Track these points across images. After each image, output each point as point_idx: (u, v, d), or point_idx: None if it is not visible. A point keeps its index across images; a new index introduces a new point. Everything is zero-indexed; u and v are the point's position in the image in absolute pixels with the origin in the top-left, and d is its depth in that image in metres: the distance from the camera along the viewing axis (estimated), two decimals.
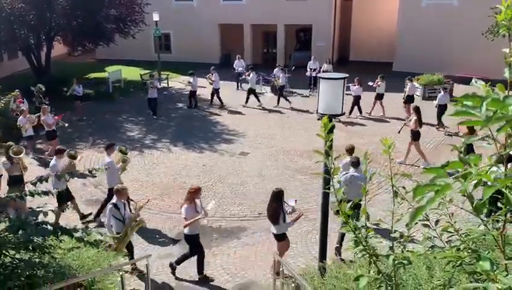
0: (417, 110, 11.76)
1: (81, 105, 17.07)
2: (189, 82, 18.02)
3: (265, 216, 9.54)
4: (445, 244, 2.33)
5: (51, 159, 12.55)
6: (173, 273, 7.57)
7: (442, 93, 14.87)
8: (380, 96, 16.42)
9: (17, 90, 13.56)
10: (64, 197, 9.00)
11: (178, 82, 20.57)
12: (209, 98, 18.73)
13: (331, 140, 2.66)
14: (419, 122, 11.59)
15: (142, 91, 21.19)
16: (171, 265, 7.58)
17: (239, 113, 17.71)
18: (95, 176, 10.92)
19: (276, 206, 7.17)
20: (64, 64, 27.00)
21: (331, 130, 2.63)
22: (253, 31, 26.81)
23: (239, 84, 21.45)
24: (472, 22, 19.11)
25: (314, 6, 24.12)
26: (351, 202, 2.52)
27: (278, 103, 18.16)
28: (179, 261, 7.58)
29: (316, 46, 25.05)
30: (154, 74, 22.04)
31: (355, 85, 15.85)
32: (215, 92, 18.31)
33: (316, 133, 2.61)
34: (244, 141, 14.46)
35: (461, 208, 2.37)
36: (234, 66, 21.45)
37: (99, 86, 21.34)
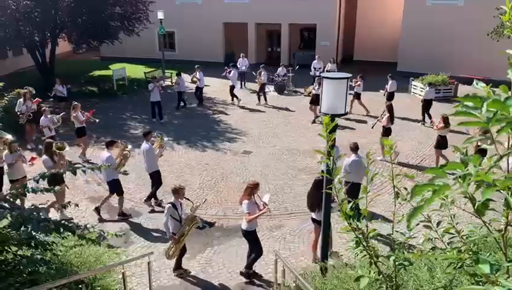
0: (390, 107, 12.22)
1: (66, 107, 15.70)
2: (178, 83, 17.55)
3: (267, 215, 9.58)
4: (447, 245, 2.32)
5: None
6: (248, 277, 7.44)
7: (427, 88, 15.39)
8: (357, 96, 16.56)
9: (26, 89, 13.29)
10: (119, 186, 9.47)
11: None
12: (209, 96, 18.75)
13: (333, 140, 2.65)
14: (391, 119, 12.14)
15: (146, 89, 21.22)
16: (242, 273, 7.45)
17: (242, 111, 17.71)
18: (127, 173, 11.07)
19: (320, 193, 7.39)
20: (69, 61, 27.11)
21: (333, 130, 2.63)
22: (257, 30, 26.80)
23: (243, 83, 21.46)
24: (477, 22, 19.02)
25: (319, 5, 24.08)
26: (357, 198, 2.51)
27: (259, 100, 18.52)
28: (249, 264, 7.47)
29: (320, 45, 25.03)
30: (157, 73, 22.04)
31: None
32: (198, 90, 18.21)
33: (319, 132, 2.60)
34: (247, 139, 14.45)
35: (463, 210, 2.36)
36: (238, 65, 21.43)
37: (104, 83, 21.41)
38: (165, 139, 10.58)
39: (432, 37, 21.70)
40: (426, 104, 15.36)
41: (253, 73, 19.38)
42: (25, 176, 9.32)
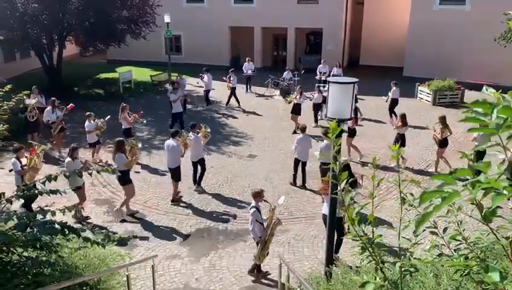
0: (354, 109, 12.67)
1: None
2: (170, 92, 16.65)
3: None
4: (453, 252, 2.30)
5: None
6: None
7: (394, 88, 15.98)
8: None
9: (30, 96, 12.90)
10: (180, 172, 10.34)
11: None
12: (214, 100, 18.67)
13: (339, 144, 2.64)
14: (356, 120, 12.53)
15: (152, 92, 21.33)
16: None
17: (247, 115, 17.72)
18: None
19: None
20: (76, 64, 27.26)
21: (339, 135, 2.62)
22: (263, 34, 26.84)
23: (248, 86, 21.48)
24: (484, 28, 18.92)
25: (325, 9, 24.08)
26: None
27: (227, 104, 18.77)
28: (337, 248, 7.53)
29: (326, 49, 25.02)
30: (163, 76, 22.01)
31: (315, 93, 15.87)
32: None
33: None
34: (252, 143, 14.45)
35: (470, 216, 2.34)
36: (243, 69, 21.46)
37: (110, 86, 21.53)
38: (209, 130, 11.65)
39: (438, 42, 21.62)
40: (392, 103, 16.10)
41: (223, 78, 19.33)
42: (84, 183, 9.45)
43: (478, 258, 2.06)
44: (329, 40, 25.12)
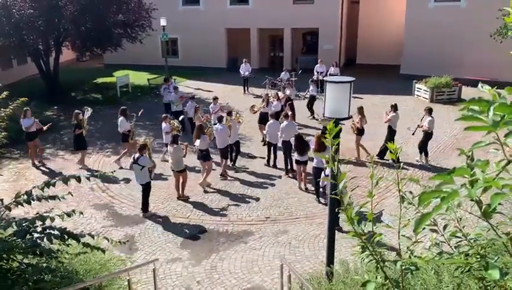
0: (291, 106, 14.25)
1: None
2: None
3: (272, 220, 9.56)
4: (454, 249, 2.29)
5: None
6: None
7: (311, 87, 17.20)
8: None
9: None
10: (228, 152, 12.20)
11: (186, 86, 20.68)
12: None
13: (338, 144, 2.64)
14: (293, 116, 13.63)
15: (149, 96, 21.32)
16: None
17: (246, 117, 17.69)
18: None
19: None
20: (73, 69, 27.26)
21: (337, 135, 2.61)
22: (259, 35, 26.87)
23: (246, 88, 21.48)
24: (480, 24, 18.96)
25: (321, 9, 24.11)
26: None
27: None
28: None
29: (323, 49, 25.03)
30: (160, 80, 22.00)
31: (274, 100, 14.75)
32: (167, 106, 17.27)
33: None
34: (251, 144, 14.44)
35: (470, 213, 2.34)
36: (240, 70, 21.47)
37: (108, 90, 21.53)
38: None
39: (434, 39, 21.64)
40: (310, 100, 17.14)
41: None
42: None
43: (478, 255, 2.06)
44: (325, 40, 25.13)
